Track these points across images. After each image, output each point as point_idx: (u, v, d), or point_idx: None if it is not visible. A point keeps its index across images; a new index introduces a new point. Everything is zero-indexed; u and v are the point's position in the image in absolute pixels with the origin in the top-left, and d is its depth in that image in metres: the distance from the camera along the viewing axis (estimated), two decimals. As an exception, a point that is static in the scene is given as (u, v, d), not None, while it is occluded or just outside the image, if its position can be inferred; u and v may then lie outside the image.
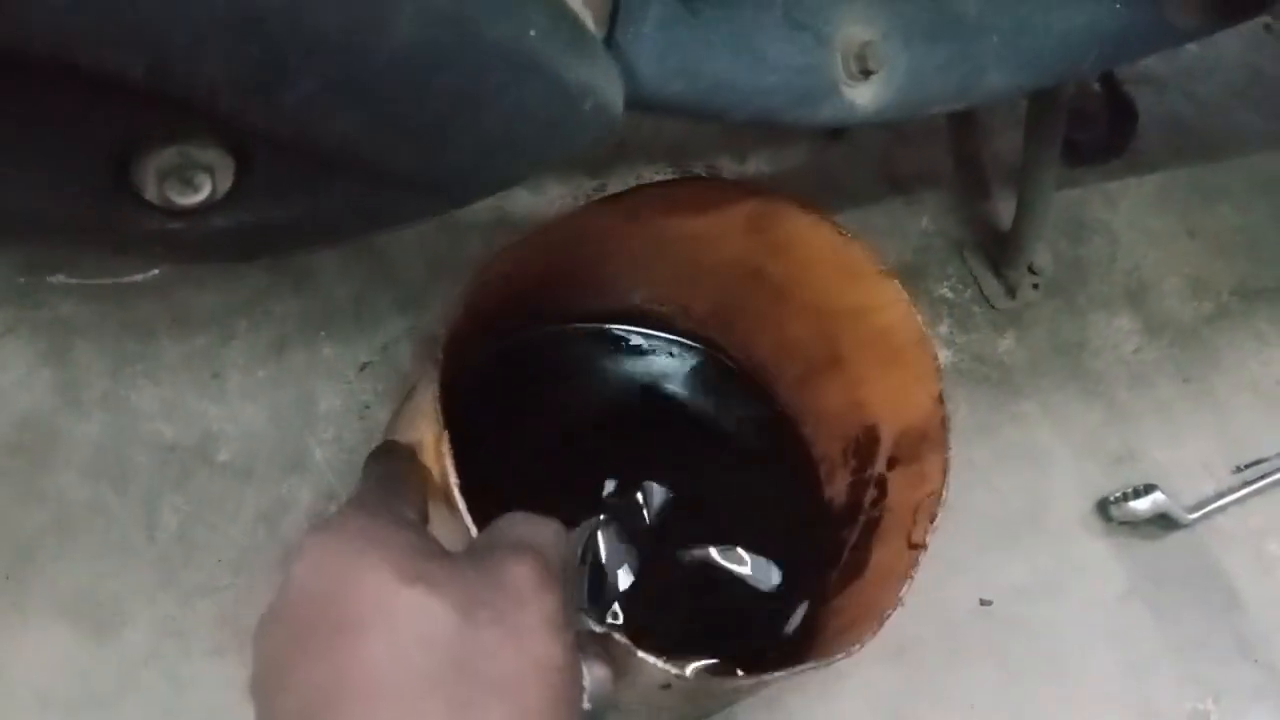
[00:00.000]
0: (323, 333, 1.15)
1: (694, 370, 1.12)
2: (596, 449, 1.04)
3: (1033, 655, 1.08)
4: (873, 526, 0.94)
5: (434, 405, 0.72)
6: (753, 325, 1.08)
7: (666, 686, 0.75)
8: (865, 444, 0.98)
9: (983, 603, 1.10)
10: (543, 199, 1.29)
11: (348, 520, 0.48)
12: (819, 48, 0.63)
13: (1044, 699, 1.06)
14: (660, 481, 1.01)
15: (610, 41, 0.59)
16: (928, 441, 0.90)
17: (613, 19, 0.59)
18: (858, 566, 0.93)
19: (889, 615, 0.77)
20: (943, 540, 1.09)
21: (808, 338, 1.02)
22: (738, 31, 0.61)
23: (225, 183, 0.47)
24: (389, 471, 0.64)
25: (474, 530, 0.67)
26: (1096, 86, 1.41)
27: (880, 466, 0.96)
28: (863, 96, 0.66)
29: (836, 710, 1.03)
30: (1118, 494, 1.16)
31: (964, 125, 1.38)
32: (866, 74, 0.66)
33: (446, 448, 0.69)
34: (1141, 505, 1.15)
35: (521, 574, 0.46)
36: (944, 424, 0.88)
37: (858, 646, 0.75)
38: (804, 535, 1.02)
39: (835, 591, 0.95)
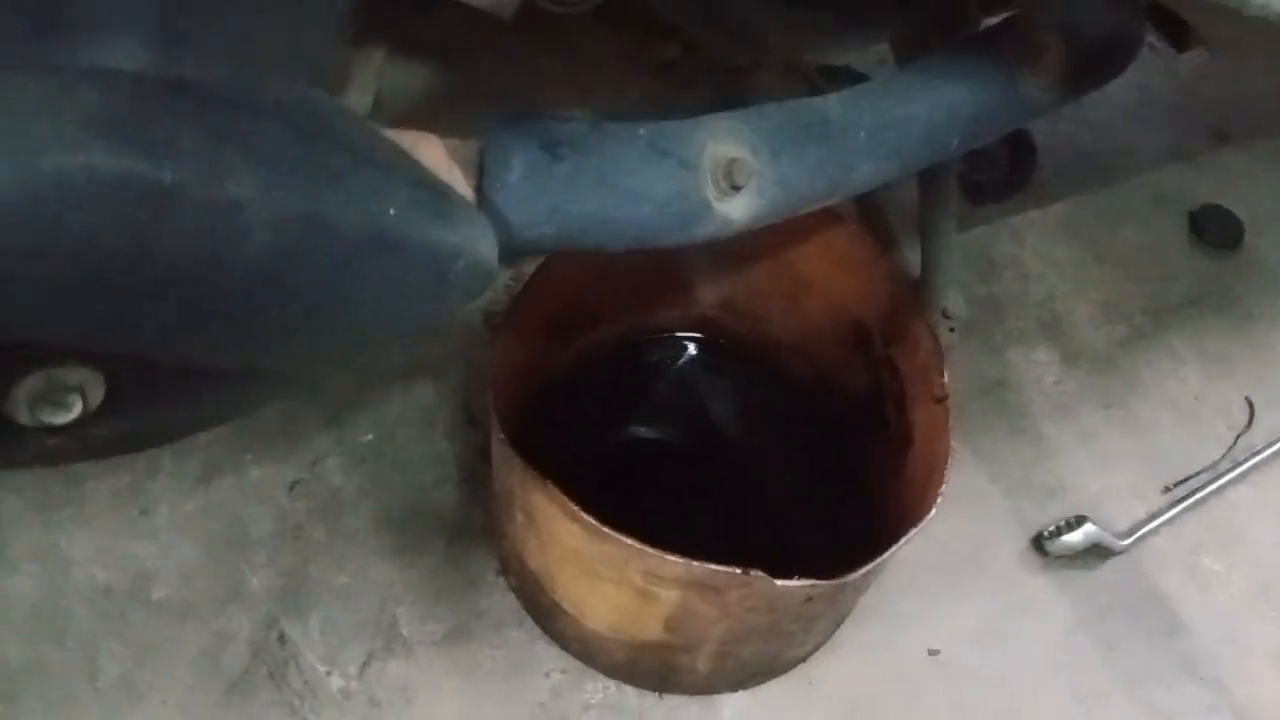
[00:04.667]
0: (249, 455, 1.15)
1: (701, 351, 1.25)
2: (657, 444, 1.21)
3: (985, 701, 1.09)
4: (901, 399, 1.06)
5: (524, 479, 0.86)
6: (722, 285, 1.19)
7: (809, 600, 0.90)
8: (859, 335, 1.12)
9: (931, 653, 1.11)
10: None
11: None
12: (685, 172, 0.65)
13: (999, 745, 1.07)
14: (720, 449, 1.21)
15: (479, 194, 0.60)
16: (904, 311, 1.05)
17: (479, 171, 0.61)
18: (905, 437, 1.05)
19: (953, 452, 0.93)
20: (886, 594, 1.11)
21: (775, 275, 1.16)
22: (603, 169, 0.62)
23: (97, 398, 0.47)
24: None
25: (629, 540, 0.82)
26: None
27: (880, 348, 1.09)
28: (735, 210, 0.68)
29: (795, 780, 1.04)
30: (1051, 529, 1.18)
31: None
32: (736, 189, 0.67)
33: (557, 495, 0.83)
34: (1075, 538, 1.17)
35: None
36: (909, 291, 1.05)
37: (944, 486, 0.90)
38: (853, 424, 1.15)
39: (898, 465, 1.05)
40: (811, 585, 0.85)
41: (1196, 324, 1.41)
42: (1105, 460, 1.27)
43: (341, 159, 0.48)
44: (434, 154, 0.58)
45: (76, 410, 0.47)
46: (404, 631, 1.06)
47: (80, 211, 0.37)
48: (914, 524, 0.89)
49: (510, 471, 0.91)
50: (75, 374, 0.47)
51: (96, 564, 1.07)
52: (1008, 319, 1.36)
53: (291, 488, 1.13)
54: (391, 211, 0.50)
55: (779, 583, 0.83)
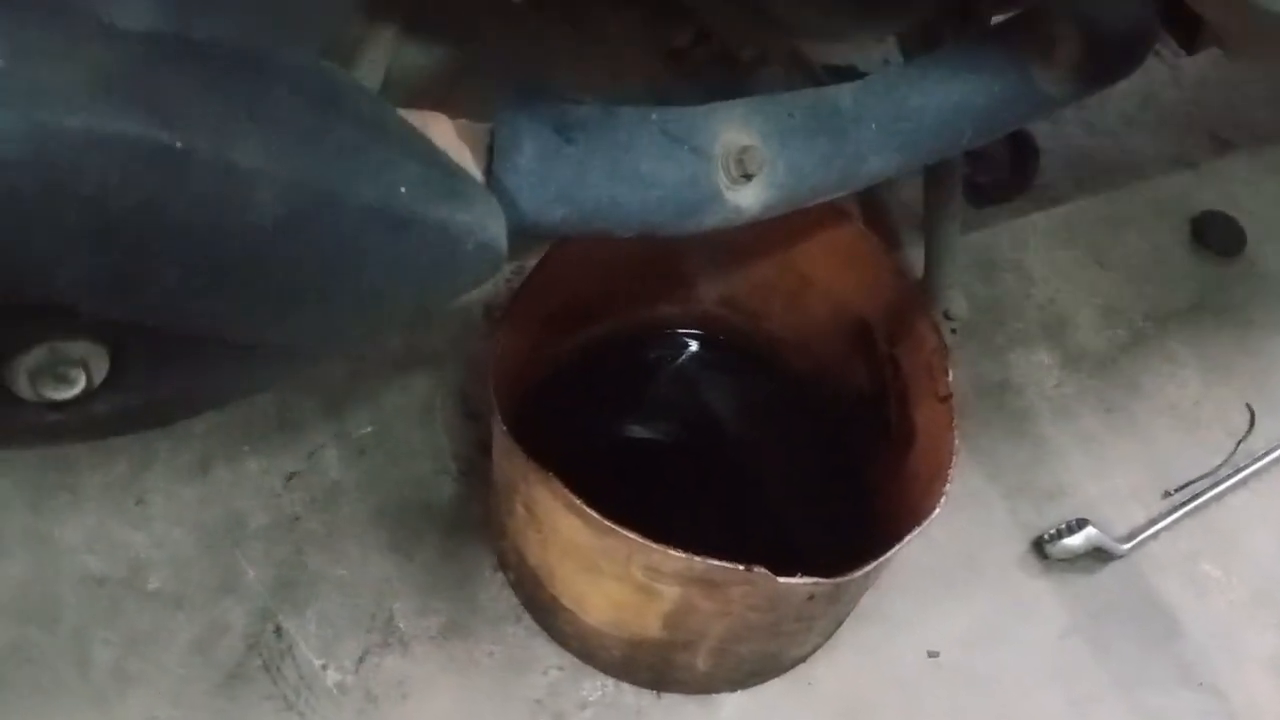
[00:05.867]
0: (246, 446, 1.13)
1: (702, 348, 1.24)
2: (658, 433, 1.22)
3: (982, 704, 1.08)
4: (904, 398, 1.05)
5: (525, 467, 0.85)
6: (724, 281, 1.18)
7: (811, 598, 0.90)
8: (862, 333, 1.11)
9: (930, 655, 1.11)
10: (461, 287, 1.29)
11: None
12: (698, 159, 0.64)
13: (996, 748, 1.07)
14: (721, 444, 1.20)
15: (489, 176, 0.59)
16: (909, 309, 1.04)
17: (490, 153, 0.60)
18: (908, 436, 1.04)
19: (957, 452, 0.93)
20: (885, 595, 1.11)
21: (778, 272, 1.15)
22: (615, 153, 0.61)
23: (100, 372, 0.47)
24: None
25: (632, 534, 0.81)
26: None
27: (884, 346, 1.08)
28: (746, 199, 0.68)
29: (793, 782, 1.03)
30: (1051, 531, 1.18)
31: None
32: (748, 177, 0.67)
33: (560, 488, 0.82)
34: (1075, 541, 1.16)
35: None
36: (913, 289, 1.05)
37: (948, 485, 0.89)
38: (854, 422, 1.15)
39: (900, 464, 1.05)
40: (814, 583, 0.85)
41: (1197, 330, 1.40)
42: (1105, 464, 1.26)
43: (354, 132, 0.47)
44: (445, 133, 0.57)
45: (80, 385, 0.46)
46: (401, 626, 1.05)
47: (85, 168, 0.37)
48: (916, 523, 0.89)
49: (512, 465, 0.90)
50: (79, 348, 0.46)
51: (90, 552, 1.06)
52: (1009, 321, 1.36)
53: (289, 479, 1.12)
54: (403, 189, 0.50)
55: (781, 580, 0.82)
